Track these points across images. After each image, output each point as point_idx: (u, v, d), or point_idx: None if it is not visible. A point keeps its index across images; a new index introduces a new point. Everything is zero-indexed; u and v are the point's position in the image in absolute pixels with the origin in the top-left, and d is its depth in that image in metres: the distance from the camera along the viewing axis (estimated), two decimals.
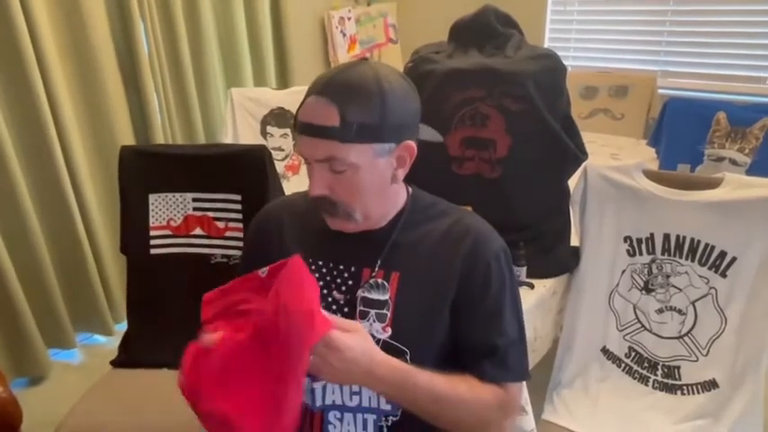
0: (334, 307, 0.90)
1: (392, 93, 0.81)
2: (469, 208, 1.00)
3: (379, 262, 0.89)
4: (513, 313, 0.91)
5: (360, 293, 0.89)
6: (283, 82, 3.00)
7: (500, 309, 0.89)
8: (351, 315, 0.89)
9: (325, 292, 0.91)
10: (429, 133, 0.93)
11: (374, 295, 0.88)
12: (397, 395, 0.81)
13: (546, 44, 3.25)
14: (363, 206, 0.86)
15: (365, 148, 0.81)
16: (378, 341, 0.86)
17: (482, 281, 0.88)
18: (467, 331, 0.89)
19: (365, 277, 0.89)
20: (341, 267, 0.91)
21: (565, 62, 1.38)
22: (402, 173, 0.88)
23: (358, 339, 0.74)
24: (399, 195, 0.93)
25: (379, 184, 0.86)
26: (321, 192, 0.84)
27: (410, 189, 0.96)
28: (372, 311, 0.88)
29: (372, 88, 0.80)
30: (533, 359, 1.40)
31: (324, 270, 0.92)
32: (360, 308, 0.88)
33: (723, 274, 1.28)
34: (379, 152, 0.82)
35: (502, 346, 0.88)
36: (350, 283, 0.90)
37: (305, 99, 0.82)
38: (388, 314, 0.87)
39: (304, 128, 0.81)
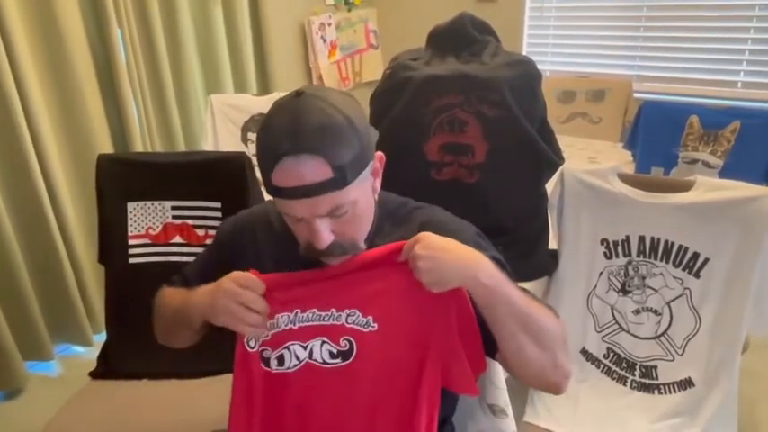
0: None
1: (353, 116, 0.78)
2: None
3: None
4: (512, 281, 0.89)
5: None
6: (264, 88, 2.99)
7: None
8: None
9: None
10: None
11: None
12: (499, 288, 0.77)
13: (524, 49, 3.29)
14: (364, 233, 0.87)
15: (357, 181, 0.79)
16: None
17: None
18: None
19: None
20: None
21: (542, 67, 1.40)
22: (378, 182, 0.89)
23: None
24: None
25: (370, 206, 0.88)
26: (330, 240, 0.81)
27: (376, 195, 0.94)
28: None
29: (340, 121, 0.75)
30: None
31: None
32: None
33: (697, 275, 1.31)
34: (365, 177, 0.82)
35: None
36: None
37: (274, 164, 0.75)
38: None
39: (294, 192, 0.76)
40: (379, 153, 0.87)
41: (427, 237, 0.78)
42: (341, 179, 0.76)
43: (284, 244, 0.91)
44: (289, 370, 0.86)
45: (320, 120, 0.75)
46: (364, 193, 0.83)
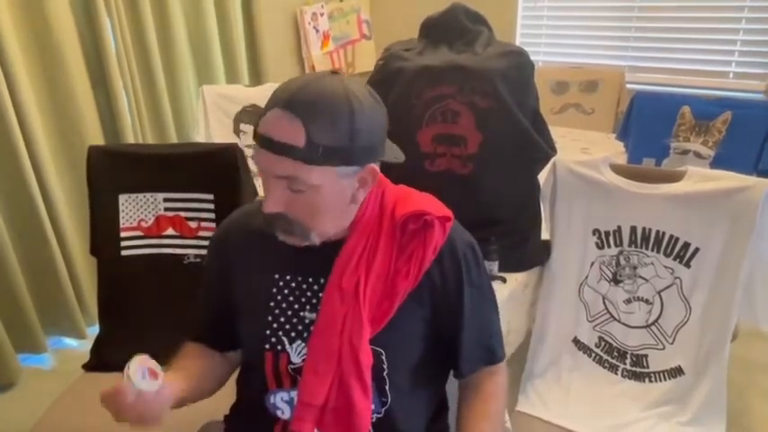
0: (307, 321, 0.88)
1: (362, 112, 0.76)
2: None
3: None
4: (491, 304, 0.95)
5: None
6: (256, 79, 2.97)
7: (482, 299, 0.93)
8: None
9: (296, 307, 0.89)
10: (393, 153, 0.88)
11: None
12: None
13: (517, 40, 3.28)
14: (320, 227, 0.82)
15: (329, 170, 0.76)
16: None
17: (456, 278, 0.89)
18: (451, 331, 0.90)
19: None
20: (310, 281, 0.89)
21: (536, 57, 1.40)
22: (363, 194, 0.85)
23: None
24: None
25: (338, 205, 0.82)
26: (276, 209, 0.79)
27: (355, 205, 0.90)
28: None
29: (342, 107, 0.74)
30: (507, 352, 1.43)
31: (293, 285, 0.89)
32: None
33: (687, 265, 1.32)
34: (342, 174, 0.78)
35: (493, 344, 0.95)
36: (320, 296, 0.87)
37: (267, 109, 0.76)
38: None
39: (265, 142, 0.75)
40: (375, 168, 0.83)
41: None
42: (309, 154, 0.74)
43: (267, 240, 0.88)
44: None
45: (322, 93, 0.75)
46: (333, 187, 0.78)
